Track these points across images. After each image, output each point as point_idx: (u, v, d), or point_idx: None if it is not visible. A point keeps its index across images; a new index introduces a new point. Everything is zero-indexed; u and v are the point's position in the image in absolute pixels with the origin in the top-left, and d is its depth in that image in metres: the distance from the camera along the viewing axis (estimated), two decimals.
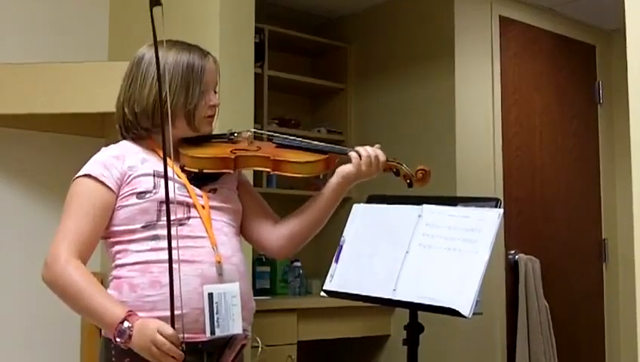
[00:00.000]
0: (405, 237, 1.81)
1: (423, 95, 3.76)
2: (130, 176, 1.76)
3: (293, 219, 1.93)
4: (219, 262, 1.72)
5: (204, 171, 1.81)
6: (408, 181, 1.89)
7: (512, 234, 3.75)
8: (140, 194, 1.74)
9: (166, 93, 1.68)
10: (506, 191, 3.76)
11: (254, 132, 1.95)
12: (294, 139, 1.93)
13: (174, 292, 1.54)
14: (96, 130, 3.10)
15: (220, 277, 1.72)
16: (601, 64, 4.41)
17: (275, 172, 1.85)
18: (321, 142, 1.95)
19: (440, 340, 3.23)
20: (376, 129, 4.01)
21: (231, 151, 1.84)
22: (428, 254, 1.76)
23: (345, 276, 1.89)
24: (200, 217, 1.76)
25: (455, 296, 1.66)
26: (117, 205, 1.75)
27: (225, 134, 1.93)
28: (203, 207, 1.78)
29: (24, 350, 3.02)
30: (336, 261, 1.91)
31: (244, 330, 1.74)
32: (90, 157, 1.83)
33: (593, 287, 4.23)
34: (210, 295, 1.68)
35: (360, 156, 1.85)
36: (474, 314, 1.63)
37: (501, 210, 1.74)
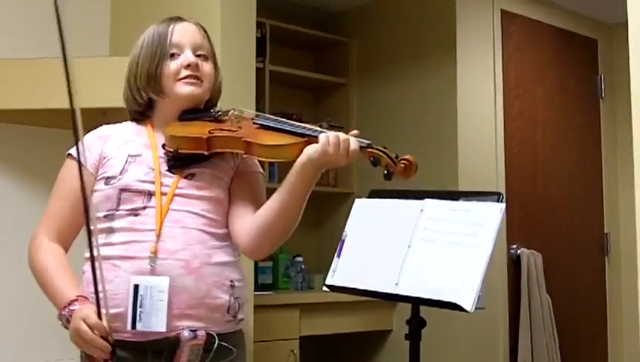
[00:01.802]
0: (407, 231, 1.81)
1: (425, 89, 3.75)
2: (105, 158, 1.71)
3: (261, 211, 1.68)
4: (150, 257, 1.60)
5: (179, 151, 1.69)
6: (385, 172, 1.61)
7: (514, 229, 3.75)
8: (108, 180, 1.67)
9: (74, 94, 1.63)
10: (508, 185, 3.75)
11: (240, 111, 1.78)
12: (278, 120, 1.72)
13: (114, 289, 1.56)
14: (98, 125, 3.09)
15: (153, 272, 1.59)
16: (603, 58, 4.40)
17: (249, 155, 1.67)
18: None
19: (442, 335, 3.24)
20: (378, 123, 4.01)
21: (208, 131, 1.68)
22: (430, 248, 1.76)
23: (347, 271, 1.88)
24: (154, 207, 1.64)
25: (457, 290, 1.65)
26: (94, 188, 1.68)
27: (212, 113, 1.79)
28: (164, 194, 1.66)
29: (25, 347, 3.03)
30: (338, 256, 1.91)
31: (192, 330, 1.60)
32: None
33: (595, 281, 4.23)
34: (136, 287, 1.58)
35: (329, 137, 1.59)
36: (476, 308, 1.63)
37: (503, 205, 1.74)
